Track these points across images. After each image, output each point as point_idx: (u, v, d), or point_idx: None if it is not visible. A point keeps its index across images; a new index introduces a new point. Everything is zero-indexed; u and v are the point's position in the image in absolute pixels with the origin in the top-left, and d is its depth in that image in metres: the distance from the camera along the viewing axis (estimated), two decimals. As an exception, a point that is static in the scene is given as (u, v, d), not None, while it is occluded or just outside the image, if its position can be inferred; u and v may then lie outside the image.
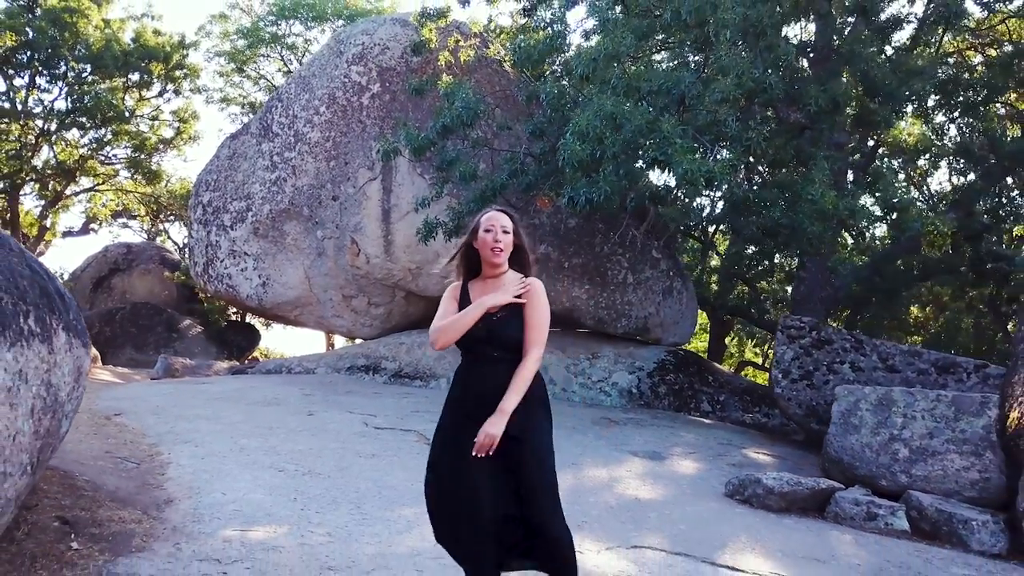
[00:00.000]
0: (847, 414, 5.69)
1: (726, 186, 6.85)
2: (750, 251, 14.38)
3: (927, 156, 13.53)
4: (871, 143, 12.48)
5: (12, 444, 2.52)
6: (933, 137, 12.14)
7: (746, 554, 4.12)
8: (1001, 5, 9.89)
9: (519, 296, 2.69)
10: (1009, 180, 11.72)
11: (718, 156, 6.26)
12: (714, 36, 6.38)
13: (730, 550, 4.16)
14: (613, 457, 6.32)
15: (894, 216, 8.15)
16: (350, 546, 3.68)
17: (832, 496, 5.11)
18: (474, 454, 2.56)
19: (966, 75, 11.43)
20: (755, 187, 8.37)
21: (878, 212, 8.24)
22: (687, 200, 6.49)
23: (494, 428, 2.55)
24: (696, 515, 4.77)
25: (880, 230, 12.46)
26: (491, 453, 2.57)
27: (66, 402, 3.21)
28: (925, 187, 15.35)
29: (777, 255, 13.57)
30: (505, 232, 2.76)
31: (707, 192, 6.40)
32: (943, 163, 13.46)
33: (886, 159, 14.02)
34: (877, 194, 7.30)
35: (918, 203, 13.83)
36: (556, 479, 2.69)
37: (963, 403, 5.29)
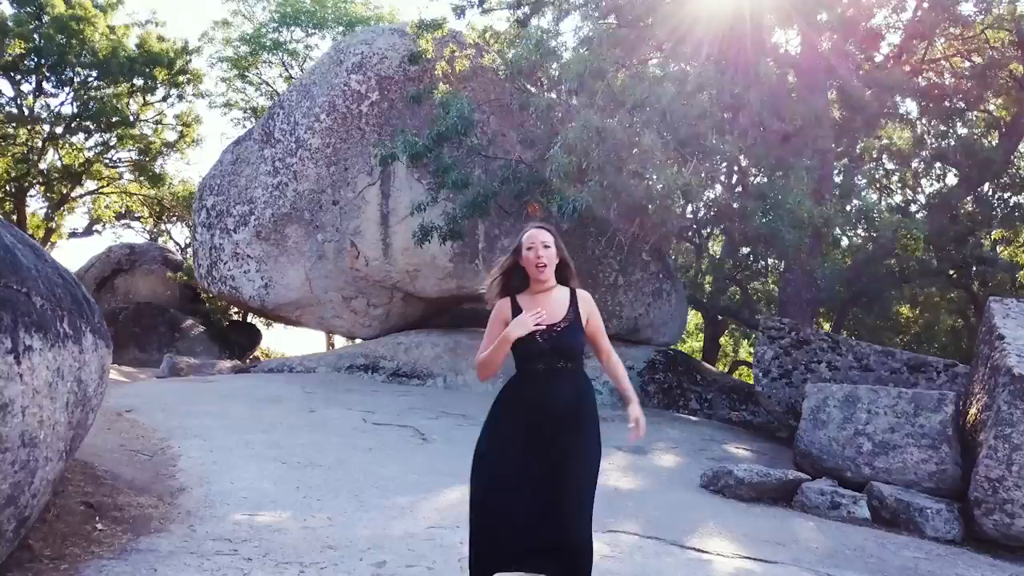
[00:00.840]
0: (816, 410, 6.05)
1: (708, 196, 7.19)
2: (742, 252, 14.75)
3: (918, 160, 13.89)
4: (859, 148, 12.85)
5: (52, 433, 2.88)
6: (913, 143, 12.50)
7: (713, 538, 4.48)
8: (982, 16, 10.24)
9: (538, 324, 2.79)
10: (988, 185, 12.08)
11: (696, 168, 6.62)
12: (691, 54, 6.74)
13: (698, 534, 4.52)
14: (598, 451, 6.67)
15: (865, 224, 8.50)
16: (348, 529, 4.04)
17: (799, 487, 5.47)
18: (631, 439, 2.85)
19: (951, 80, 11.79)
20: (736, 195, 8.72)
21: (852, 219, 8.59)
22: (669, 208, 6.83)
23: (639, 410, 2.87)
24: (670, 504, 5.13)
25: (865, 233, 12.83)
26: (554, 460, 2.69)
27: (92, 397, 3.56)
28: (919, 189, 15.69)
29: (770, 258, 13.94)
30: (546, 247, 2.86)
31: (684, 204, 6.73)
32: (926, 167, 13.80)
33: (880, 162, 14.39)
34: (854, 202, 7.63)
35: (910, 207, 14.18)
36: (593, 498, 2.81)
37: (922, 400, 5.65)
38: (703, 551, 4.19)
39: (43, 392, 2.74)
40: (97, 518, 3.77)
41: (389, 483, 5.09)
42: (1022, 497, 4.91)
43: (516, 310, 2.88)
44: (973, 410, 5.71)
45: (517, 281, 2.94)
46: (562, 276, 2.95)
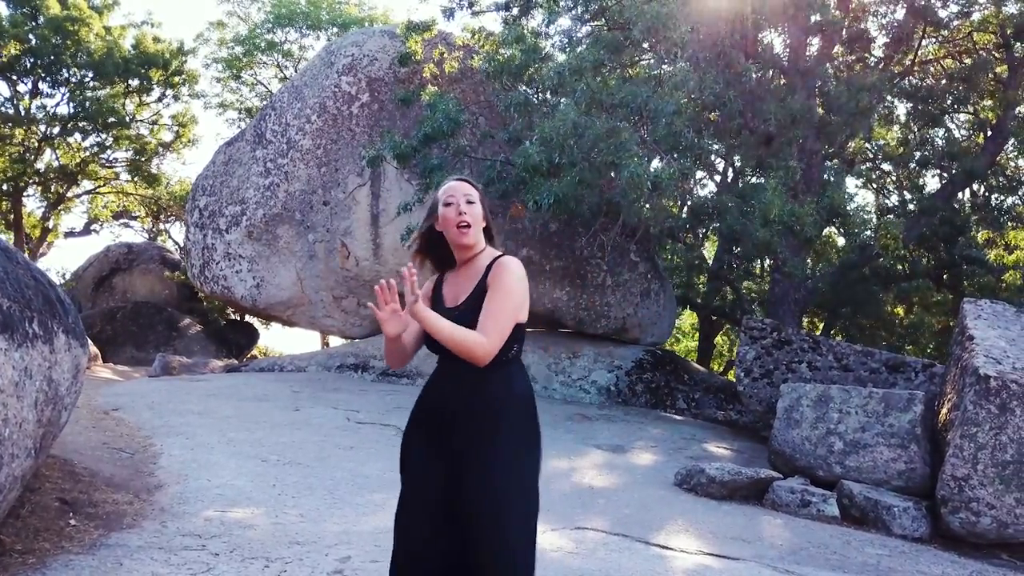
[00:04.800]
0: (790, 410, 6.13)
1: (696, 194, 7.25)
2: (732, 253, 14.80)
3: (912, 162, 13.94)
4: (851, 148, 12.92)
5: (19, 431, 2.96)
6: (900, 144, 12.58)
7: (679, 535, 4.56)
8: (960, 20, 10.34)
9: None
10: (977, 186, 12.15)
11: (670, 163, 6.70)
12: (667, 54, 6.82)
13: (665, 531, 4.60)
14: (577, 450, 6.76)
15: (840, 223, 8.59)
16: (319, 525, 4.12)
17: (771, 485, 5.55)
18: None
19: (943, 82, 11.86)
20: (715, 194, 8.80)
21: (825, 218, 8.66)
22: (640, 201, 6.90)
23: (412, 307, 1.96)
24: (642, 501, 5.21)
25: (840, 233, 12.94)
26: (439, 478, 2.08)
27: (65, 395, 3.65)
28: (914, 190, 15.73)
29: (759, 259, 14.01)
30: (470, 202, 2.19)
31: (653, 194, 6.77)
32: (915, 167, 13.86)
33: (876, 163, 14.45)
34: (825, 202, 7.72)
35: (907, 207, 14.24)
36: (529, 536, 2.09)
37: (892, 399, 5.73)
38: (667, 547, 4.27)
39: (8, 391, 2.83)
40: (71, 514, 3.86)
41: (365, 481, 5.17)
42: (987, 496, 4.99)
43: (437, 289, 2.28)
44: (944, 410, 5.79)
45: (439, 254, 2.28)
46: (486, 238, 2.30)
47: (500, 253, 2.25)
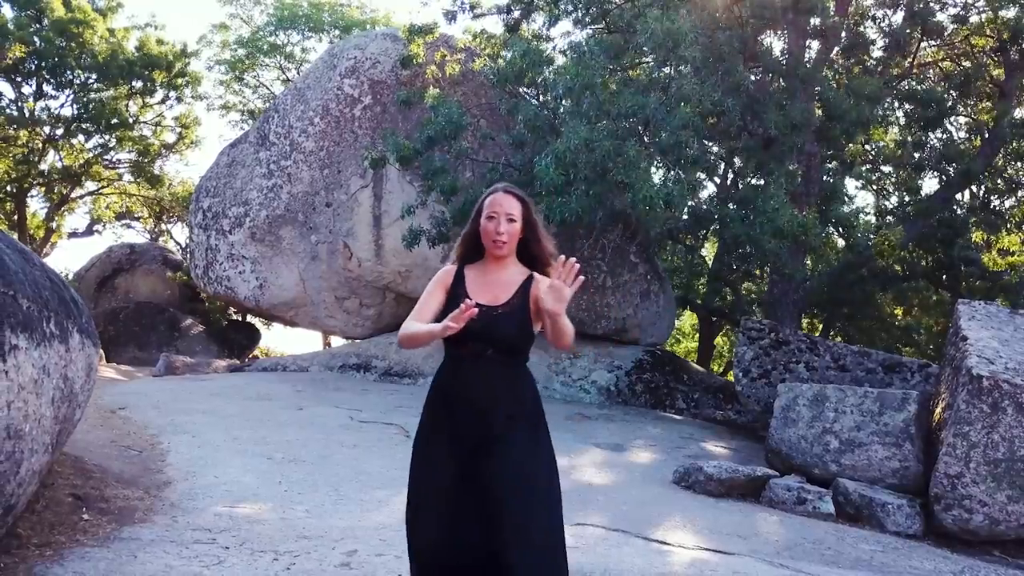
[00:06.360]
0: (786, 409, 6.24)
1: (696, 199, 7.35)
2: (733, 255, 14.90)
3: (911, 164, 14.03)
4: (848, 150, 13.00)
5: (38, 426, 3.07)
6: (897, 147, 12.68)
7: (677, 531, 4.66)
8: (957, 26, 10.44)
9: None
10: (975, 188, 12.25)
11: (679, 176, 6.79)
12: (675, 71, 6.92)
13: (663, 527, 4.70)
14: (576, 448, 6.86)
15: (844, 230, 8.68)
16: (324, 520, 4.23)
17: (767, 483, 5.65)
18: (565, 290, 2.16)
19: (942, 84, 11.96)
20: (718, 201, 8.89)
21: (830, 228, 8.78)
22: (651, 214, 7.00)
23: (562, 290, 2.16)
24: (640, 498, 5.31)
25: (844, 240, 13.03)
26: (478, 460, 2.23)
27: (79, 393, 3.75)
28: (913, 191, 15.79)
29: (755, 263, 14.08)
30: (511, 220, 2.37)
31: (667, 210, 6.88)
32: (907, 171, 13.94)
33: (876, 165, 14.54)
34: (832, 216, 7.79)
35: (906, 209, 14.34)
36: (560, 526, 2.29)
37: (887, 399, 5.83)
38: (665, 543, 4.36)
39: (28, 388, 2.93)
40: (84, 509, 3.96)
41: (368, 478, 5.27)
42: (979, 493, 5.09)
43: (459, 281, 2.44)
44: (938, 409, 5.89)
45: (473, 249, 2.48)
46: (528, 255, 2.46)
47: (537, 270, 2.47)
